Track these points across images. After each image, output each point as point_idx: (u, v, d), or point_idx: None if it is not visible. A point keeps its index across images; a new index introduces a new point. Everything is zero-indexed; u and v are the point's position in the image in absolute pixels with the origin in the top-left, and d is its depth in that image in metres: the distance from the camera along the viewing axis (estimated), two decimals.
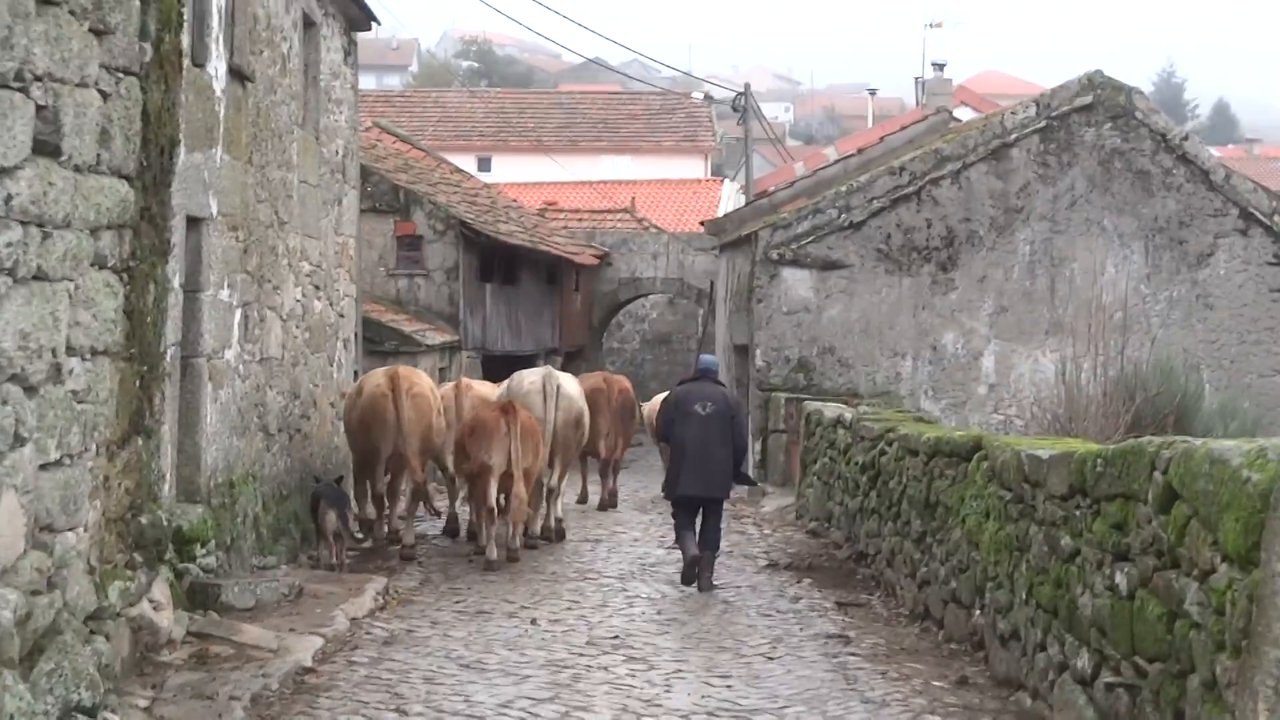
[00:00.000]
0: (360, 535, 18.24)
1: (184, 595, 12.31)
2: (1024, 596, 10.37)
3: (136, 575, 10.74)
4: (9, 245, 8.14)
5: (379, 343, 29.46)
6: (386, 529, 18.48)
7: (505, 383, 20.05)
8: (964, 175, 27.00)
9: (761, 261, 27.11)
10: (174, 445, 12.88)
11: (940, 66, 42.14)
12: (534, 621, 13.57)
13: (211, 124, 13.76)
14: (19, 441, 8.36)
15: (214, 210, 13.90)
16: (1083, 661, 9.04)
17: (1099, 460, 8.96)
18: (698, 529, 16.25)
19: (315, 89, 19.10)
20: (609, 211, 53.27)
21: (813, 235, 26.93)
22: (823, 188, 30.13)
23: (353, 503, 18.31)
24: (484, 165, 65.09)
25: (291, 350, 17.53)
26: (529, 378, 19.38)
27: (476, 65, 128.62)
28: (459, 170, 45.80)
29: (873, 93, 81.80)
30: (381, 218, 34.00)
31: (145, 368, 10.88)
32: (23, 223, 8.31)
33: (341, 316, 20.73)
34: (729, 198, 58.50)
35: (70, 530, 9.33)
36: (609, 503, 23.82)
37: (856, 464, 17.41)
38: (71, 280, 9.26)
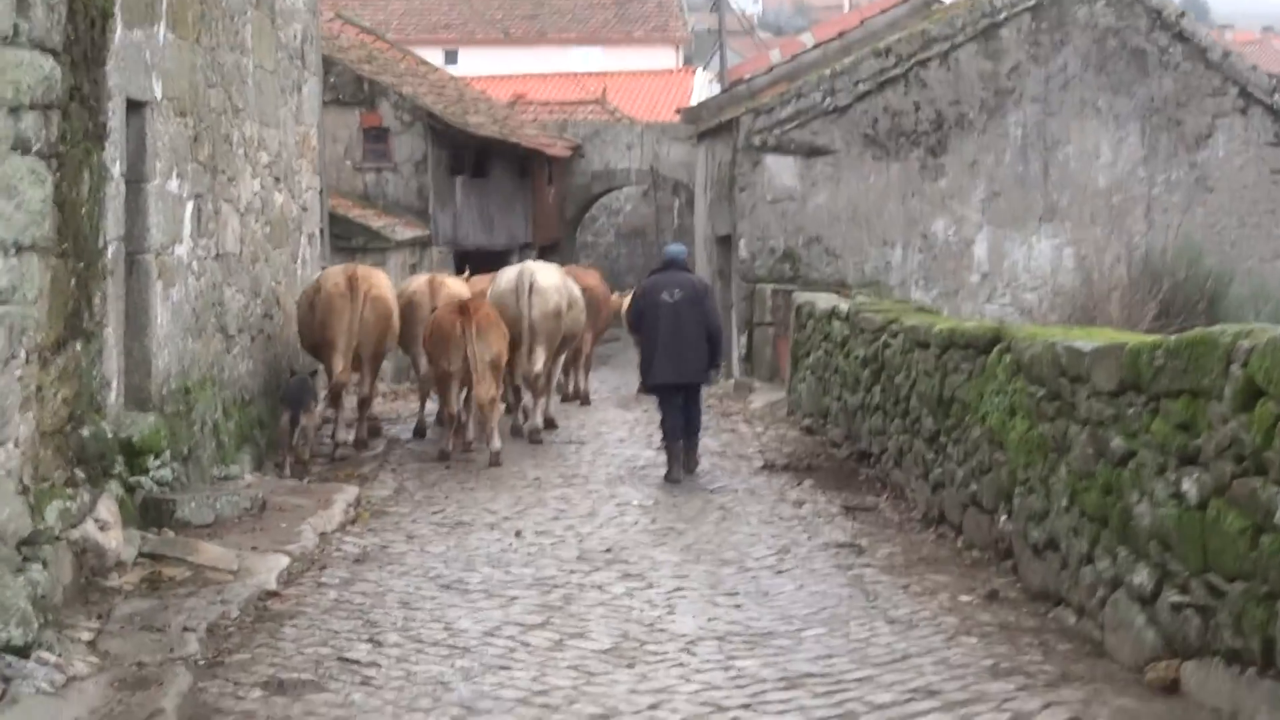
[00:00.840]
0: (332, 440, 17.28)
1: (136, 512, 11.25)
2: (1064, 504, 9.31)
3: (78, 493, 9.71)
4: None
5: (347, 239, 28.45)
6: (353, 436, 17.52)
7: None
8: (952, 56, 25.94)
9: (743, 149, 26.03)
10: (120, 349, 11.74)
11: None
12: (518, 534, 12.54)
13: None
14: None
15: (158, 93, 12.68)
16: (1141, 578, 8.00)
17: (1158, 352, 7.90)
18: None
19: None
20: (580, 103, 51.94)
21: (796, 120, 25.85)
22: (803, 73, 28.95)
23: (319, 398, 17.45)
24: (451, 59, 63.39)
25: (251, 246, 16.35)
26: (507, 274, 18.64)
27: None
28: (425, 62, 44.44)
29: None
30: (346, 109, 32.79)
31: (81, 264, 9.79)
32: None
33: (305, 210, 19.52)
34: (702, 88, 57.11)
35: None
36: (583, 398, 22.83)
37: (857, 358, 16.35)
38: None
